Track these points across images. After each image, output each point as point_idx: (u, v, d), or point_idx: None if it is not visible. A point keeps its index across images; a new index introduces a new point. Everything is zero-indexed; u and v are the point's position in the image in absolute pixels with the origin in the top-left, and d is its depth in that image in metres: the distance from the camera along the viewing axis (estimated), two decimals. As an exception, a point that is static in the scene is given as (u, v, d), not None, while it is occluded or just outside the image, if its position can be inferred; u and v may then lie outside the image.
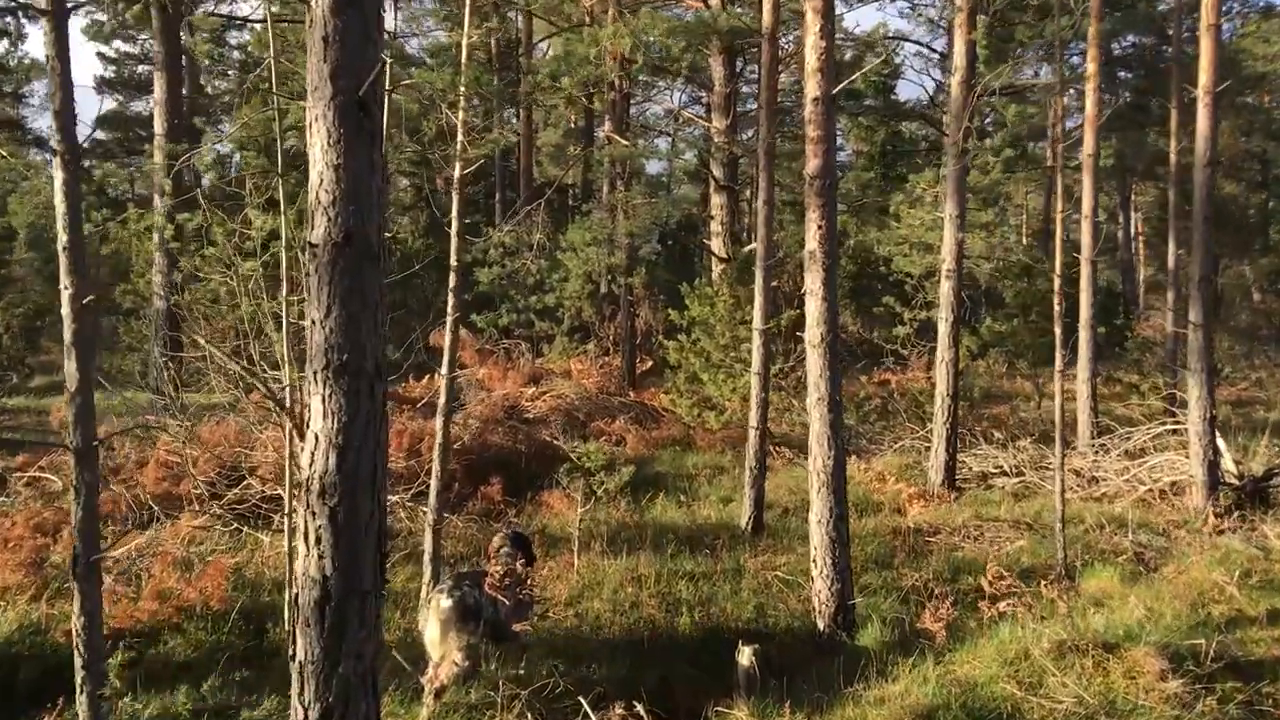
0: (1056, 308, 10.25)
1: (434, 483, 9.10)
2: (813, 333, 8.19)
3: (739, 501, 13.62)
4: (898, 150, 34.17)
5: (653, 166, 44.70)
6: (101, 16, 33.90)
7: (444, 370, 9.07)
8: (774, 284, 22.94)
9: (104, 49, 36.17)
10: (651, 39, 16.42)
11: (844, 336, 24.23)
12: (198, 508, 11.25)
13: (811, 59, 8.12)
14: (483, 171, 35.08)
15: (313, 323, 5.17)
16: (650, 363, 24.37)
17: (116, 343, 23.31)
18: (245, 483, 11.43)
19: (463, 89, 8.72)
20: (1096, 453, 15.18)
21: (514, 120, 33.55)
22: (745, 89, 33.93)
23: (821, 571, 8.17)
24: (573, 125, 40.41)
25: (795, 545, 11.50)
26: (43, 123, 40.93)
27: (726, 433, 17.12)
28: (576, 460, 10.72)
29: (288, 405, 6.96)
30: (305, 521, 5.12)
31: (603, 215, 20.16)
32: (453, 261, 9.01)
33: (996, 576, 7.98)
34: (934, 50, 33.04)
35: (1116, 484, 14.08)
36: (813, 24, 8.11)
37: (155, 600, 8.46)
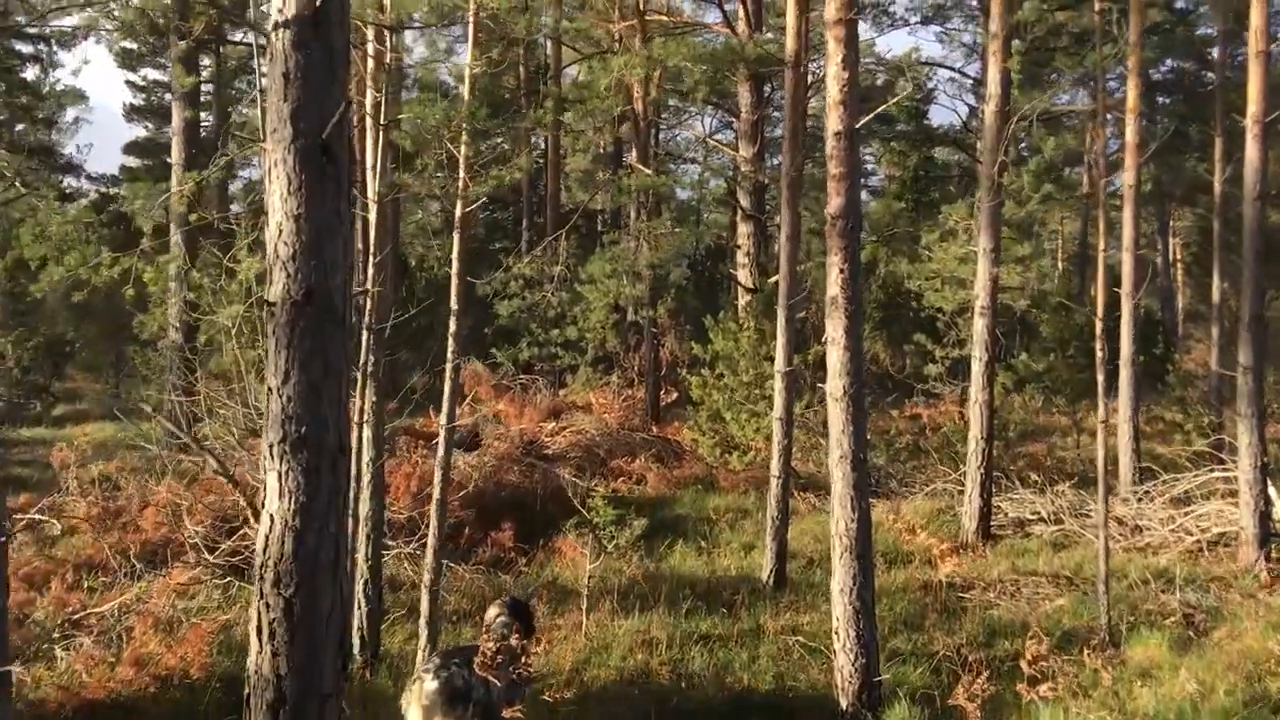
0: (1099, 352, 9.60)
1: (431, 539, 8.56)
2: (834, 384, 7.60)
3: (760, 551, 12.98)
4: (930, 176, 33.54)
5: (683, 191, 44.28)
6: (131, 44, 33.97)
7: (442, 420, 8.53)
8: (801, 316, 22.35)
9: (133, 77, 36.20)
10: (672, 64, 15.92)
11: (874, 369, 23.58)
12: (192, 558, 10.75)
13: (834, 90, 7.56)
14: (510, 198, 34.82)
15: (269, 390, 4.65)
16: (675, 394, 23.78)
17: (135, 373, 23.03)
18: (241, 532, 10.93)
19: (465, 125, 8.22)
20: (1140, 499, 14.43)
21: (541, 144, 33.23)
22: (775, 114, 33.42)
23: (844, 645, 7.55)
24: (601, 150, 40.09)
25: (819, 602, 10.84)
26: (71, 147, 41.12)
27: (750, 473, 16.48)
28: (585, 514, 10.13)
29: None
30: (258, 613, 4.58)
31: (626, 246, 19.64)
32: (453, 304, 8.47)
33: (1036, 656, 7.31)
34: (967, 75, 32.40)
35: (1161, 534, 13.33)
36: (835, 53, 7.55)
37: (133, 667, 7.95)
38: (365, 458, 8.62)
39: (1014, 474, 16.39)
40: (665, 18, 23.70)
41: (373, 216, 8.25)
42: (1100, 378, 9.59)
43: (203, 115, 33.83)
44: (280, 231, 4.60)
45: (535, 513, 14.52)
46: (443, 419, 8.55)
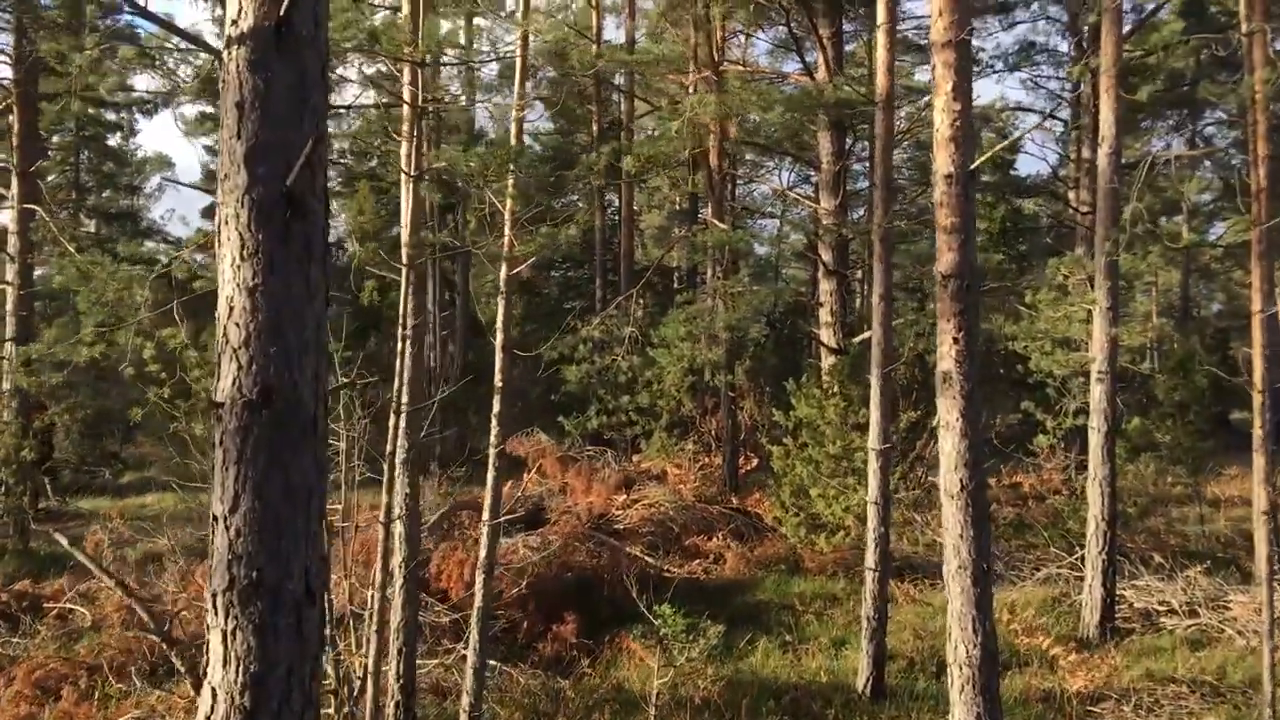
0: (1258, 430, 8.10)
1: (471, 655, 7.34)
2: (950, 479, 6.26)
3: (853, 648, 11.55)
4: (1018, 228, 32.17)
5: (761, 247, 43.23)
6: (209, 109, 34.01)
7: (485, 516, 7.36)
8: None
9: (209, 141, 36.27)
10: (749, 111, 14.82)
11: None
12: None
13: (943, 125, 6.31)
14: (583, 256, 34.01)
15: (214, 519, 3.51)
16: (755, 460, 22.40)
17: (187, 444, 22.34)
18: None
19: (510, 179, 7.12)
20: (1288, 589, 12.66)
21: (615, 202, 32.51)
22: (855, 166, 32.13)
23: (968, 801, 6.13)
24: (676, 207, 39.26)
25: (925, 718, 9.38)
26: (156, 213, 41.51)
27: (839, 554, 15.02)
28: (651, 620, 8.79)
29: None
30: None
31: (701, 306, 18.47)
32: (496, 381, 7.33)
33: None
34: (1057, 118, 30.84)
35: (1317, 630, 11.58)
36: (943, 81, 6.31)
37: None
38: (396, 559, 7.47)
39: (1134, 554, 14.70)
40: (741, 67, 22.69)
41: (404, 278, 7.16)
42: (1261, 462, 8.09)
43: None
44: (231, 309, 3.48)
45: (603, 600, 13.27)
46: (485, 513, 7.37)
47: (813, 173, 34.73)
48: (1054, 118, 29.13)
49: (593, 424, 17.89)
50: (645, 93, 30.13)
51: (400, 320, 6.92)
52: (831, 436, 15.03)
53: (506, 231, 7.14)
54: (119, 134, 36.78)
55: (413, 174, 6.77)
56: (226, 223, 3.50)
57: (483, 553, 7.35)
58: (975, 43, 28.65)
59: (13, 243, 20.00)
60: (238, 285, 3.47)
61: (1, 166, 21.10)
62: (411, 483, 7.37)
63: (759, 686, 10.17)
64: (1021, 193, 32.64)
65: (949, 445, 6.27)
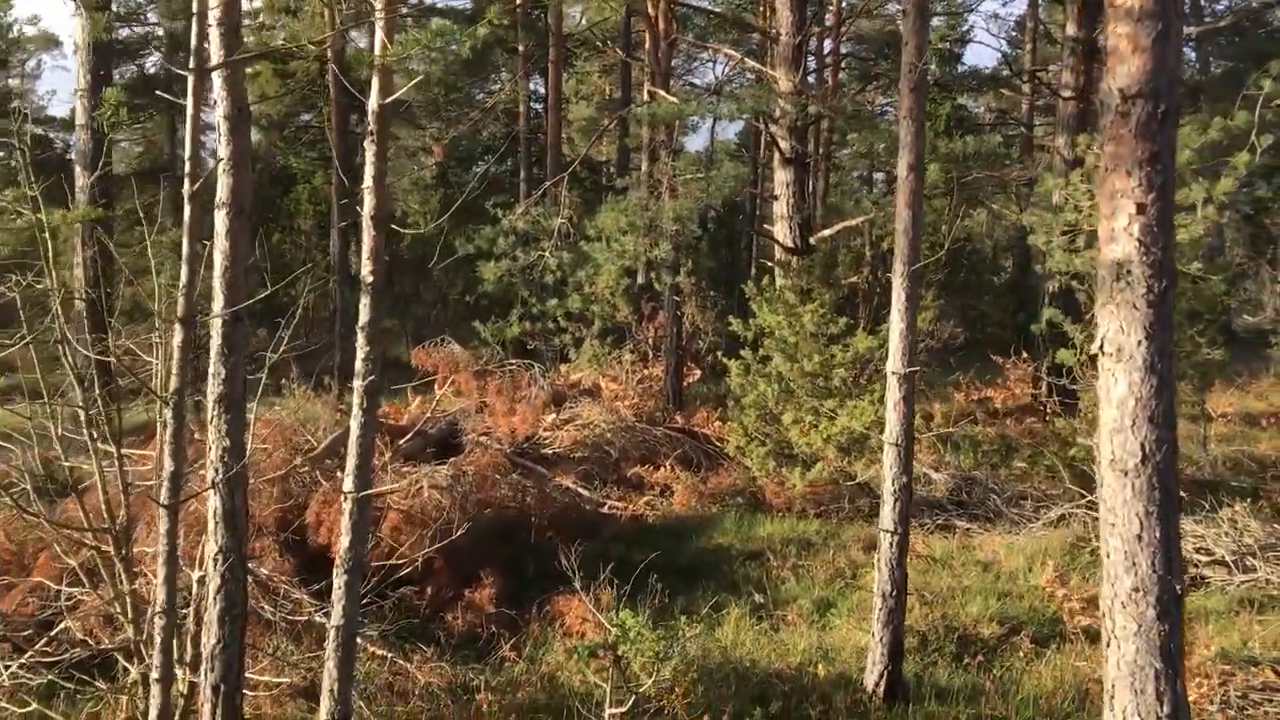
0: None
1: (328, 705, 4.74)
2: (1121, 444, 3.73)
3: (841, 614, 9.27)
4: (965, 127, 30.16)
5: (694, 143, 40.52)
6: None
7: (347, 484, 4.70)
8: (850, 281, 18.41)
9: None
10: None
11: (936, 344, 19.82)
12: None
13: None
14: (508, 149, 31.04)
15: None
16: (699, 372, 19.97)
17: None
18: (62, 626, 7.14)
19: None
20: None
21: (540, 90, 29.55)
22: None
23: None
24: (607, 97, 36.44)
25: (961, 727, 7.08)
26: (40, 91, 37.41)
27: (809, 488, 12.64)
28: (606, 637, 6.11)
29: None
30: None
31: (642, 195, 15.72)
32: (365, 269, 4.62)
33: None
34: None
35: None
36: None
37: None
38: (212, 546, 4.81)
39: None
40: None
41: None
42: None
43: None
44: None
45: (530, 548, 10.76)
46: (347, 482, 4.70)
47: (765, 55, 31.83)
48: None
49: (514, 331, 15.16)
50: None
51: (186, 167, 4.12)
52: (805, 350, 12.53)
53: (378, 24, 4.34)
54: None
55: None
56: None
57: (345, 539, 4.70)
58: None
59: None
60: None
61: None
62: (233, 431, 4.65)
63: (735, 679, 7.77)
64: (968, 90, 30.83)
65: (1122, 386, 3.73)
